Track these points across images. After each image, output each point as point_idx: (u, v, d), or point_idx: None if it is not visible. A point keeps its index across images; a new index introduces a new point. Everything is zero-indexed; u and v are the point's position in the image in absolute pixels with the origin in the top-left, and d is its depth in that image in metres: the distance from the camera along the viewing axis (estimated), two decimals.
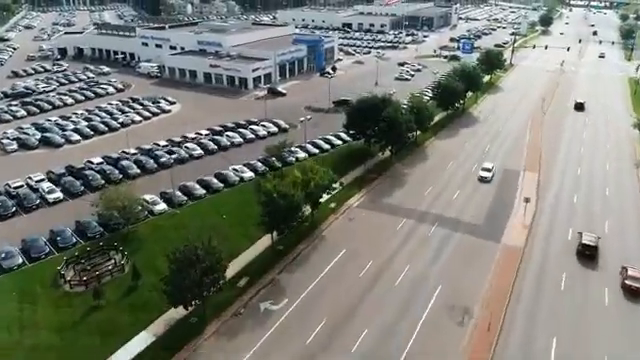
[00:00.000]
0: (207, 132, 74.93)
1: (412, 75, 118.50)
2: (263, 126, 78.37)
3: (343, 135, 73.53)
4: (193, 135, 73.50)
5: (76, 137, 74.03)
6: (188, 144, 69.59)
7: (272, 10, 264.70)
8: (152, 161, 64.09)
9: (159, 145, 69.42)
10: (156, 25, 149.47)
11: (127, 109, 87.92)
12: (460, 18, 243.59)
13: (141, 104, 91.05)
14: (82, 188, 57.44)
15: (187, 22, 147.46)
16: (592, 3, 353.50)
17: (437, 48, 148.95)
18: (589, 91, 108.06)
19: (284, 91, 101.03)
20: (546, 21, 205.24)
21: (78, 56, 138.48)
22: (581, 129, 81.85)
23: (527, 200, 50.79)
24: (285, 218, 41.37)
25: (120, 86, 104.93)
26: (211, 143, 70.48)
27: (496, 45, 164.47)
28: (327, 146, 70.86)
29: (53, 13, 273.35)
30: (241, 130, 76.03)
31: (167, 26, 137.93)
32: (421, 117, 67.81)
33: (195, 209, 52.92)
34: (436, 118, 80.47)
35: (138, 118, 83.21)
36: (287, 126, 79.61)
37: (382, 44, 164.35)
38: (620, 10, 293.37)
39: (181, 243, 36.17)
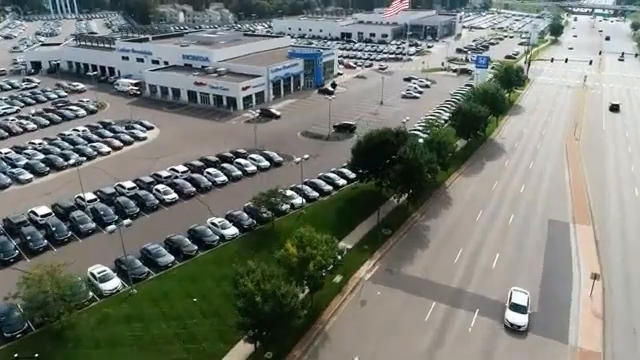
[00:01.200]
0: (185, 169, 62.63)
1: (420, 92, 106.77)
2: (252, 159, 66.17)
3: (347, 171, 61.59)
4: (167, 173, 61.11)
5: (27, 175, 61.57)
6: (160, 186, 57.24)
7: (267, 19, 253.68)
8: (112, 211, 51.80)
9: (124, 187, 57.12)
10: (138, 37, 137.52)
11: (95, 137, 75.65)
12: (464, 27, 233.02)
13: (113, 130, 78.82)
14: (16, 252, 45.05)
15: (172, 33, 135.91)
16: (596, 10, 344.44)
17: (446, 61, 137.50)
18: (622, 110, 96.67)
19: (278, 113, 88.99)
20: (556, 30, 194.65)
21: (53, 71, 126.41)
22: (627, 161, 70.00)
23: (595, 277, 38.53)
24: (273, 325, 29.07)
25: (92, 107, 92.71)
26: (188, 184, 58.15)
27: (507, 57, 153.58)
28: (329, 187, 58.64)
29: (39, 22, 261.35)
30: (226, 165, 63.78)
31: (151, 37, 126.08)
32: (444, 153, 55.76)
33: (158, 286, 40.43)
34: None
35: (106, 149, 70.85)
36: (281, 159, 67.51)
37: (384, 56, 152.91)
38: (629, 18, 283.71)
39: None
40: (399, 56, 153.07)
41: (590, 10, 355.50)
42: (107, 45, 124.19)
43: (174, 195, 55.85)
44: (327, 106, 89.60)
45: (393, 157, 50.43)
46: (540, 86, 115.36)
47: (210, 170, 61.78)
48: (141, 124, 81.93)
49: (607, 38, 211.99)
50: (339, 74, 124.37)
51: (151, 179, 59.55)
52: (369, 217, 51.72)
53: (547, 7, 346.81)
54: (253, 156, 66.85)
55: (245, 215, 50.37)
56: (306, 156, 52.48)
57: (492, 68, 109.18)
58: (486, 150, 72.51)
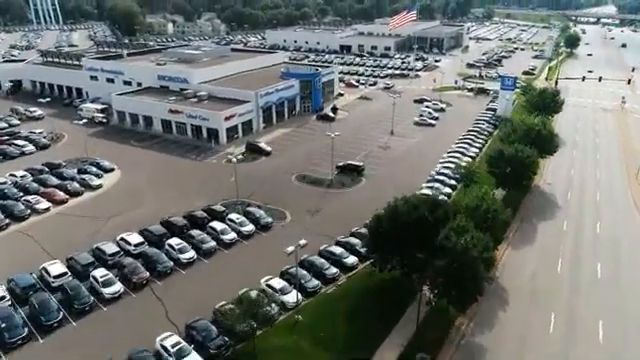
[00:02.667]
0: (139, 240, 46.62)
1: (436, 118, 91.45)
2: (232, 222, 50.38)
3: (355, 240, 46.01)
4: (113, 248, 45.05)
5: None
6: (99, 272, 41.13)
7: (261, 29, 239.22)
8: (19, 320, 35.77)
9: (50, 275, 41.08)
10: (115, 51, 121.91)
11: (36, 186, 59.67)
12: (470, 38, 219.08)
13: (60, 175, 62.85)
14: None
15: (152, 48, 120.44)
16: (603, 20, 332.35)
17: (459, 79, 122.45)
18: None
19: (268, 148, 73.29)
20: (572, 42, 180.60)
21: (14, 91, 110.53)
22: None
23: None
24: None
25: (45, 140, 76.89)
26: (140, 268, 42.17)
27: (524, 73, 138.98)
28: (334, 270, 42.75)
29: (19, 33, 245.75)
30: (196, 233, 47.82)
31: (125, 54, 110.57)
32: (492, 228, 39.97)
33: None
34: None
35: (44, 204, 54.75)
36: (269, 220, 51.72)
37: (389, 71, 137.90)
38: None
39: None
40: (405, 72, 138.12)
41: (595, 19, 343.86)
42: (75, 62, 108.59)
43: (118, 287, 39.82)
44: (328, 136, 74.84)
45: (426, 235, 34.83)
46: (572, 109, 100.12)
47: (174, 242, 45.77)
48: (98, 165, 66.00)
49: (623, 45, 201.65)
50: (340, 95, 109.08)
51: (90, 258, 43.51)
52: (395, 326, 35.93)
53: (553, 17, 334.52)
54: (233, 217, 50.97)
55: (213, 330, 34.36)
56: (302, 242, 36.57)
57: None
58: (533, 203, 56.77)
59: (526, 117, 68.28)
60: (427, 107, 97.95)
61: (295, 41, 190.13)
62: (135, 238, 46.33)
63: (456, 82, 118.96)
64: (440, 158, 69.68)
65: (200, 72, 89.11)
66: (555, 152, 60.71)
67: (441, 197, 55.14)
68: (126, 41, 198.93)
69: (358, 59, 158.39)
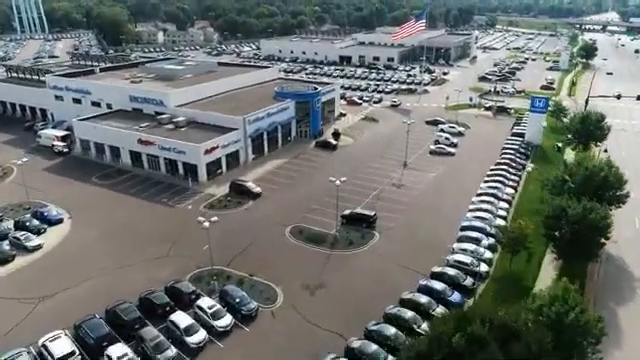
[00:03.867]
0: (68, 350, 33.03)
1: (454, 145, 78.49)
2: (201, 310, 36.90)
3: (371, 349, 32.87)
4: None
5: None
6: None
7: (256, 38, 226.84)
8: None
9: None
10: (85, 66, 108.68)
11: None
12: (477, 47, 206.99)
13: None
14: None
15: (129, 62, 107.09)
16: (610, 28, 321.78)
17: (474, 95, 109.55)
18: None
19: (257, 189, 59.91)
20: (589, 52, 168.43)
21: None
22: None
23: None
24: None
25: None
26: None
27: (543, 87, 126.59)
28: None
29: (0, 43, 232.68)
30: (147, 337, 34.20)
31: (98, 68, 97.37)
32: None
33: None
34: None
35: None
36: (253, 306, 38.20)
37: (395, 86, 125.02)
38: None
39: None
40: (412, 87, 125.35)
41: (601, 27, 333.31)
42: (41, 78, 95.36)
43: None
44: (329, 169, 62.37)
45: None
46: (614, 134, 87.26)
47: (115, 353, 32.26)
48: (42, 216, 52.57)
49: (636, 51, 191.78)
50: (341, 115, 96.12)
51: None
52: None
53: (559, 25, 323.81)
54: (204, 303, 37.37)
55: None
56: None
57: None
58: (607, 281, 43.36)
59: (579, 152, 55.17)
60: (442, 130, 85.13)
61: (291, 51, 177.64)
62: (62, 346, 32.80)
63: (471, 99, 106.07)
64: (469, 202, 56.63)
65: (178, 93, 75.84)
66: (624, 203, 47.51)
67: (482, 267, 42.21)
68: (105, 53, 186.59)
69: (359, 71, 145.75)
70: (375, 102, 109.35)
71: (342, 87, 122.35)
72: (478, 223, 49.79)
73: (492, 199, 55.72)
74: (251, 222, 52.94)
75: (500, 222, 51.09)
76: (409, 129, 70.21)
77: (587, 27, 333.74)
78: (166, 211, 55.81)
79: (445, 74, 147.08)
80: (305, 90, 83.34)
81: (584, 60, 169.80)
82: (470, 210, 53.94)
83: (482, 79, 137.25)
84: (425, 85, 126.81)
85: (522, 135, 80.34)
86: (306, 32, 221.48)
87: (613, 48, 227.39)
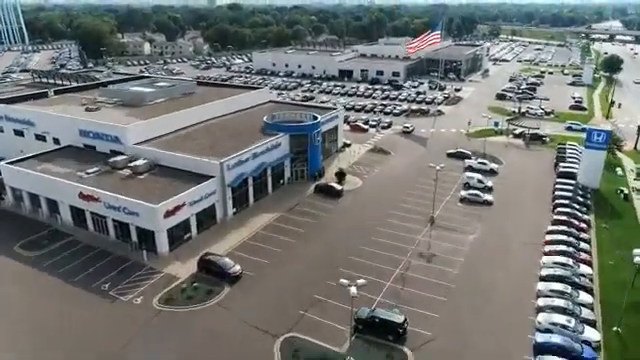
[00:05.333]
0: None
1: (489, 189, 62.42)
2: None
3: None
4: None
5: None
6: None
7: (249, 50, 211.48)
8: None
9: None
10: (47, 85, 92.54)
11: None
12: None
13: None
14: None
15: (94, 82, 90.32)
16: (618, 37, 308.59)
17: (501, 120, 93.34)
18: None
19: (235, 268, 43.12)
20: (612, 66, 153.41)
21: None
22: None
23: None
24: None
25: None
26: None
27: (572, 107, 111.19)
28: None
29: None
30: None
31: (52, 91, 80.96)
32: None
33: None
34: None
35: None
36: None
37: (405, 106, 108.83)
38: None
39: None
40: (424, 107, 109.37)
41: (608, 36, 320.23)
42: None
43: None
44: (334, 230, 46.62)
45: None
46: None
47: None
48: None
49: None
50: (345, 145, 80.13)
51: None
52: None
53: (568, 34, 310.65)
54: None
55: None
56: None
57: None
58: None
59: None
60: (471, 168, 69.11)
61: (286, 65, 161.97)
62: None
63: (496, 124, 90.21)
64: (532, 289, 40.43)
65: (140, 127, 59.29)
66: None
67: None
68: (83, 66, 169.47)
69: (362, 87, 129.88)
70: (383, 127, 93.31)
71: (344, 107, 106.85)
72: (559, 339, 33.42)
73: (567, 289, 39.32)
74: (223, 330, 36.35)
75: (591, 333, 34.78)
76: (437, 175, 53.99)
77: (594, 36, 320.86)
78: (104, 309, 38.96)
79: (458, 90, 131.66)
80: (302, 120, 67.16)
81: (607, 74, 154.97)
82: (539, 309, 37.63)
83: (500, 97, 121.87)
84: (438, 104, 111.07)
85: (572, 175, 64.32)
86: (302, 43, 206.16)
87: (629, 59, 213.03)
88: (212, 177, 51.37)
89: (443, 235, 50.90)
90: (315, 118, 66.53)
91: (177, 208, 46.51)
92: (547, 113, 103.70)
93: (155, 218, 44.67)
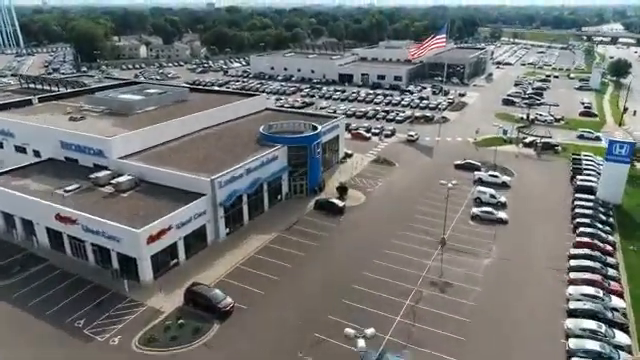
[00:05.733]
0: None
1: (502, 204, 58.04)
2: None
3: None
4: None
5: None
6: None
7: (246, 53, 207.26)
8: None
9: None
10: (34, 90, 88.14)
11: None
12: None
13: None
14: None
15: (82, 88, 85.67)
16: (621, 40, 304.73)
17: (510, 128, 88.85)
18: None
19: (226, 301, 38.31)
20: (620, 70, 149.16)
21: None
22: None
23: None
24: None
25: None
26: None
27: (582, 113, 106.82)
28: None
29: None
30: None
31: (37, 98, 76.46)
32: None
33: None
34: None
35: None
36: None
37: (408, 112, 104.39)
38: None
39: None
40: (428, 113, 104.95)
41: (610, 39, 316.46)
42: None
43: None
44: (335, 252, 42.21)
45: None
46: None
47: None
48: None
49: None
50: (347, 156, 75.70)
51: None
52: None
53: (571, 37, 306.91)
54: None
55: None
56: None
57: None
58: None
59: None
60: (481, 181, 64.73)
61: (285, 68, 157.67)
62: None
63: (505, 132, 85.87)
64: (561, 326, 35.98)
65: (125, 139, 54.73)
66: None
67: None
68: (77, 70, 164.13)
69: (363, 92, 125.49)
70: (387, 135, 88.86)
71: (344, 114, 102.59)
72: None
73: (600, 327, 34.86)
74: None
75: None
76: (448, 193, 49.51)
77: (597, 39, 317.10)
78: (75, 353, 34.21)
79: (462, 95, 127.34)
80: (301, 130, 62.71)
81: (615, 78, 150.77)
82: (571, 353, 33.11)
83: (506, 102, 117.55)
84: (442, 110, 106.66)
85: (591, 190, 59.96)
86: (301, 46, 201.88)
87: (635, 63, 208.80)
88: (202, 195, 46.89)
89: (456, 259, 46.40)
90: (315, 128, 62.03)
91: (162, 232, 41.96)
92: (557, 120, 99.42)
93: (137, 244, 40.13)
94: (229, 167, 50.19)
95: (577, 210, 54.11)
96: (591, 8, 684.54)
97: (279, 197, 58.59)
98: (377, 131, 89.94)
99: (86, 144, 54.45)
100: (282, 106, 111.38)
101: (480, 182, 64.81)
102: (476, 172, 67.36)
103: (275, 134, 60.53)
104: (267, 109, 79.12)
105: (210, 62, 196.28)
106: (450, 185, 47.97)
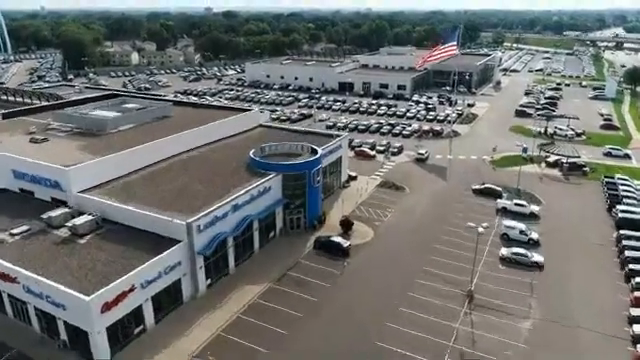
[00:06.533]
0: None
1: (535, 242, 49.47)
2: None
3: None
4: None
5: None
6: None
7: (242, 59, 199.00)
8: None
9: None
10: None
11: None
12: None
13: None
14: None
15: (55, 103, 76.66)
16: (628, 45, 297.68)
17: (532, 144, 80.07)
18: None
19: None
20: (636, 78, 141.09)
21: None
22: None
23: None
24: None
25: None
26: None
27: (603, 126, 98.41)
28: None
29: None
30: None
31: (0, 114, 67.73)
32: None
33: None
34: None
35: None
36: None
37: (415, 125, 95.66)
38: None
39: None
40: (437, 127, 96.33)
41: (615, 44, 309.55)
42: None
43: None
44: (338, 313, 33.61)
45: None
46: None
47: None
48: None
49: None
50: (350, 178, 67.08)
51: None
52: None
53: (577, 42, 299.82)
54: None
55: None
56: None
57: None
58: None
59: None
60: (505, 208, 56.19)
61: (282, 77, 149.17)
62: None
63: (525, 150, 77.41)
64: None
65: (87, 169, 45.79)
66: None
67: None
68: (63, 78, 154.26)
69: (365, 103, 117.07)
70: (393, 152, 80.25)
71: (346, 127, 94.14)
72: None
73: None
74: None
75: None
76: (477, 240, 40.80)
77: (600, 44, 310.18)
78: None
79: (471, 106, 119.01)
80: (298, 153, 54.07)
81: (631, 87, 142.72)
82: None
83: (520, 114, 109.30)
84: (452, 123, 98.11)
85: (636, 225, 51.36)
86: (299, 52, 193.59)
87: None
88: (177, 242, 38.16)
89: (488, 321, 37.69)
90: (314, 152, 53.42)
91: (122, 295, 33.15)
92: (578, 134, 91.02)
93: (87, 315, 31.32)
94: (211, 204, 41.49)
95: (627, 253, 45.41)
96: (588, 13, 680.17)
97: (272, 234, 49.88)
98: (383, 148, 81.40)
99: (41, 174, 45.64)
100: (278, 118, 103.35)
101: (504, 212, 56.30)
102: (499, 200, 58.76)
103: (268, 159, 51.91)
104: (261, 125, 70.45)
105: (204, 69, 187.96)
106: (480, 230, 39.28)
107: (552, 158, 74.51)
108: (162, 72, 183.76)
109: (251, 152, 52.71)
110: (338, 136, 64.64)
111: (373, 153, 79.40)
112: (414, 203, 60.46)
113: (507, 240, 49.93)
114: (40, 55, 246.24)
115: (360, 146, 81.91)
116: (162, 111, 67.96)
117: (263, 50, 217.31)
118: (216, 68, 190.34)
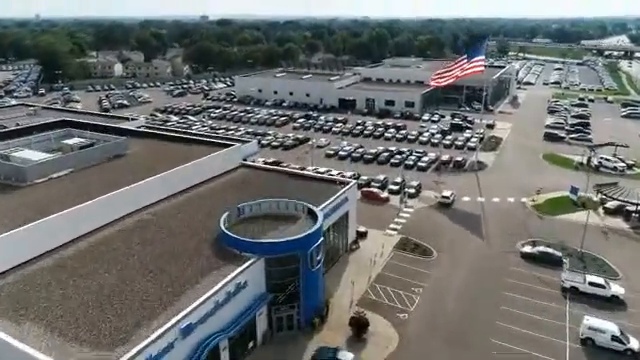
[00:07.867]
0: None
1: (634, 352, 34.06)
2: None
3: None
4: None
5: None
6: None
7: (234, 71, 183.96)
8: None
9: None
10: None
11: None
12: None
13: None
14: None
15: None
16: (637, 54, 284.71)
17: (585, 185, 64.32)
18: None
19: None
20: None
21: None
22: None
23: None
24: None
25: None
26: None
27: None
28: None
29: None
30: None
31: None
32: None
33: None
34: None
35: None
36: None
37: (432, 155, 79.88)
38: None
39: None
40: (457, 157, 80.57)
41: (624, 53, 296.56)
42: None
43: None
44: None
45: None
46: None
47: None
48: None
49: None
50: (359, 236, 51.45)
51: None
52: None
53: (589, 53, 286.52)
54: None
55: None
56: None
57: None
58: None
59: None
60: (575, 287, 40.59)
61: (275, 92, 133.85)
62: None
63: (576, 191, 61.85)
64: None
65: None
66: None
67: None
68: (33, 93, 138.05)
69: (369, 124, 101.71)
70: (410, 194, 64.34)
71: (349, 156, 79.14)
72: None
73: None
74: None
75: None
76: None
77: (607, 53, 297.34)
78: None
79: (491, 127, 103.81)
80: (289, 215, 38.36)
81: None
82: None
83: (550, 137, 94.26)
84: (477, 151, 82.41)
85: None
86: (294, 64, 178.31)
87: None
88: None
89: None
90: (313, 216, 37.71)
91: None
92: (629, 166, 75.86)
93: None
94: (150, 324, 25.79)
95: None
96: (587, 20, 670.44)
97: (251, 344, 34.09)
98: (396, 187, 65.77)
99: None
100: (269, 144, 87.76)
101: (576, 293, 40.73)
102: (564, 276, 43.02)
103: (246, 229, 36.17)
104: (243, 165, 54.73)
105: (192, 82, 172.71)
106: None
107: (611, 203, 59.13)
108: (145, 85, 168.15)
109: (222, 217, 36.97)
110: (342, 183, 49.03)
111: (385, 195, 63.73)
112: (447, 277, 44.73)
113: (592, 347, 34.38)
114: (18, 67, 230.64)
115: (369, 184, 66.42)
116: (114, 149, 51.97)
117: (256, 60, 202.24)
118: (205, 81, 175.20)
